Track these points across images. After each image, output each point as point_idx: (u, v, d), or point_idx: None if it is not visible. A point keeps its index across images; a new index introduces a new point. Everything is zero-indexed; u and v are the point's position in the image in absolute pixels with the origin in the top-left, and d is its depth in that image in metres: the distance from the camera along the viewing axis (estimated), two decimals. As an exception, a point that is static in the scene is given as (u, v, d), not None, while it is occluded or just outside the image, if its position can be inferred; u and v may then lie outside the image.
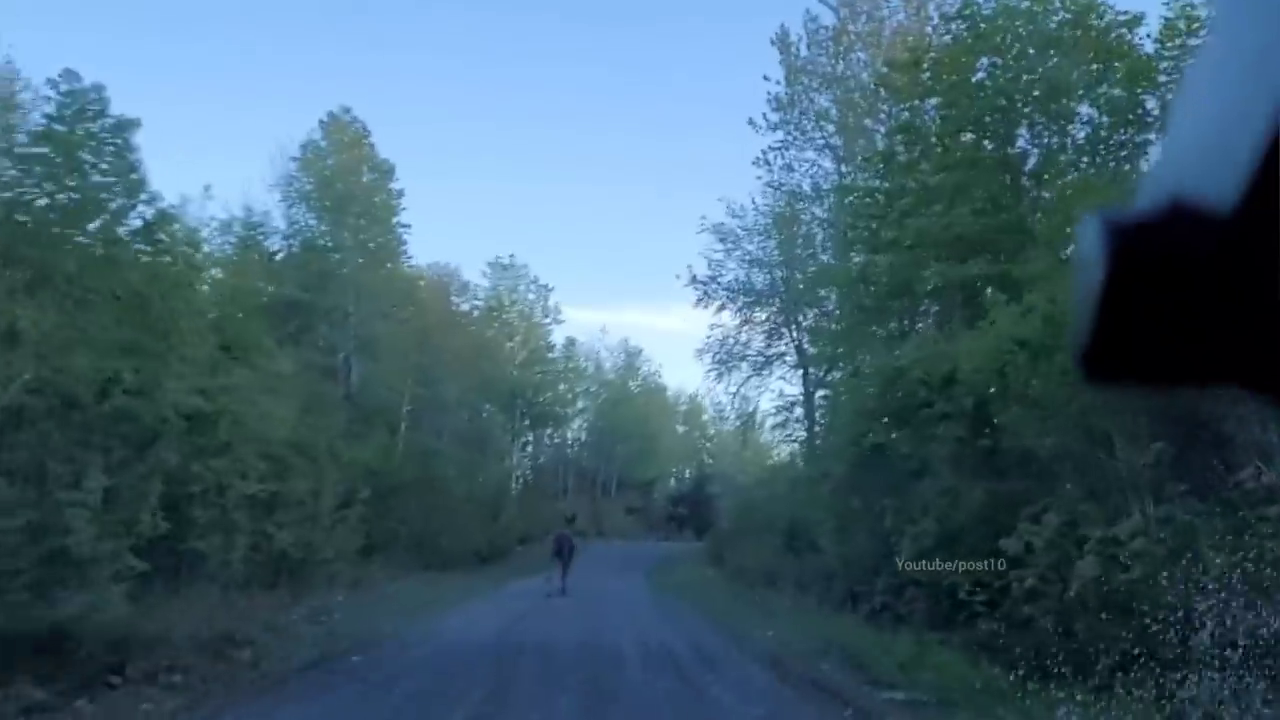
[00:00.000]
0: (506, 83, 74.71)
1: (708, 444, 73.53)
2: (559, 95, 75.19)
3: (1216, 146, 0.41)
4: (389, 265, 30.97)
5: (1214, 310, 0.41)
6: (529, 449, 52.73)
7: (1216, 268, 0.41)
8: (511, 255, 46.94)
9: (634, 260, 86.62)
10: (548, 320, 47.85)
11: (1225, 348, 0.42)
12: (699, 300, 29.91)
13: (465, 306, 45.04)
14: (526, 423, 47.30)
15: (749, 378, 33.01)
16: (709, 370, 32.51)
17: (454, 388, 35.80)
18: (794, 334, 31.99)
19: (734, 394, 32.79)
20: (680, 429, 69.95)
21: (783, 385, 32.28)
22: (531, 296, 47.27)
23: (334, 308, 27.30)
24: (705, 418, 74.05)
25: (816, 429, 31.61)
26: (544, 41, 72.81)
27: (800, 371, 32.66)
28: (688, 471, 72.60)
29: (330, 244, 27.87)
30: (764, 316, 32.31)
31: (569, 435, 58.04)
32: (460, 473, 33.19)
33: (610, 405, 56.51)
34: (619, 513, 56.11)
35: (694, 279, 29.37)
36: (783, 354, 32.48)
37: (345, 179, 27.35)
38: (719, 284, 29.00)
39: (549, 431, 54.56)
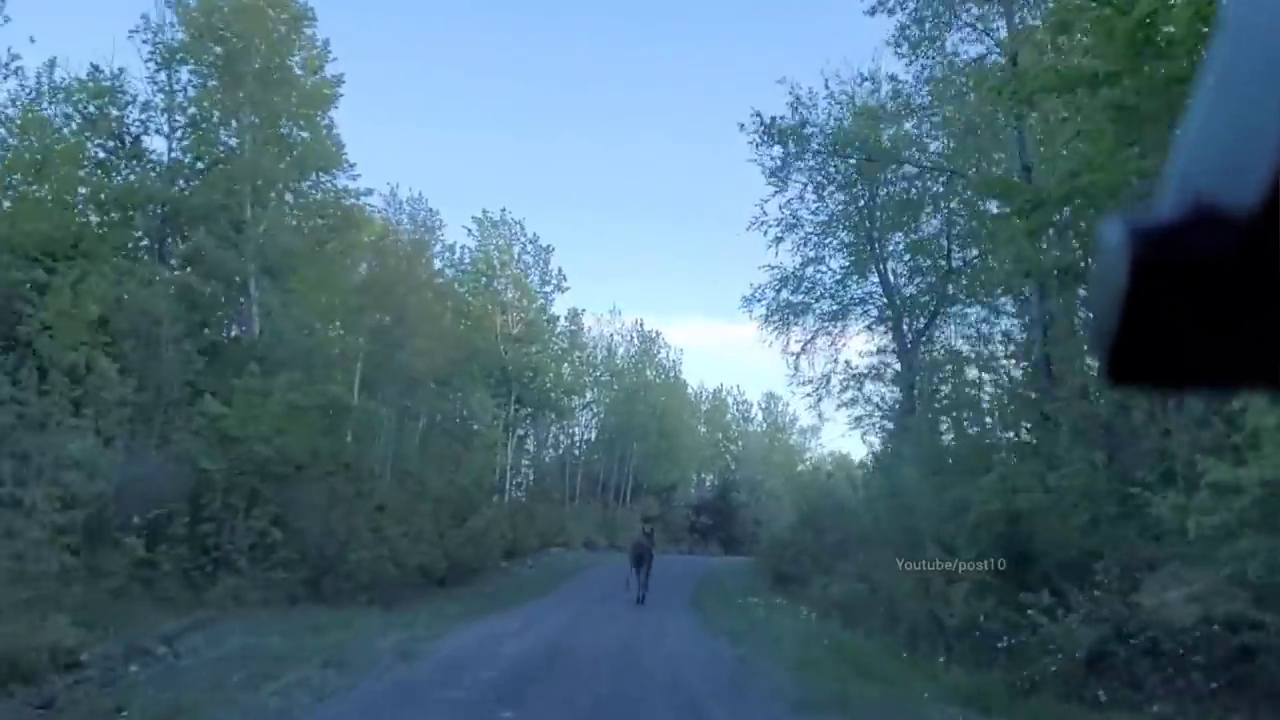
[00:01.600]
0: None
1: (732, 446, 63.81)
2: (571, 92, 66.89)
3: (1236, 150, 0.41)
4: (320, 176, 21.74)
5: (1237, 312, 0.41)
6: (530, 448, 43.25)
7: (1238, 270, 0.40)
8: (504, 209, 37.65)
9: (643, 268, 77.96)
10: (548, 288, 38.49)
11: (1249, 349, 0.41)
12: (779, 169, 20.37)
13: (450, 272, 36.01)
14: (521, 411, 37.82)
15: (813, 336, 23.44)
16: (765, 320, 22.97)
17: (426, 359, 26.57)
18: (880, 268, 22.54)
19: (795, 355, 23.26)
20: (701, 430, 60.07)
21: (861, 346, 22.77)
22: (528, 259, 37.94)
23: (223, 209, 18.02)
24: (729, 417, 64.67)
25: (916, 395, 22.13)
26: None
27: (888, 325, 23.23)
28: (709, 479, 63.03)
29: (219, 122, 18.71)
30: (837, 246, 22.92)
31: (576, 434, 48.39)
32: (428, 459, 23.98)
33: (624, 398, 46.73)
34: (634, 521, 46.36)
35: (767, 126, 19.56)
36: (865, 299, 23.02)
37: (240, 25, 18.11)
38: (806, 136, 19.36)
39: (552, 428, 45.04)
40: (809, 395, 22.83)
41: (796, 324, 22.81)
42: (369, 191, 22.80)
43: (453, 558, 17.40)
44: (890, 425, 22.98)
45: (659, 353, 50.22)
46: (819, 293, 22.30)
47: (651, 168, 74.43)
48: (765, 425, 65.77)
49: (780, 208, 22.58)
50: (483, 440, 32.40)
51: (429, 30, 61.43)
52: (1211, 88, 0.45)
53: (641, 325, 49.23)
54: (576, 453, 47.06)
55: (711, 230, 77.37)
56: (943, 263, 21.44)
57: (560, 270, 38.37)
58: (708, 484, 62.27)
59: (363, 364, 24.70)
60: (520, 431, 39.56)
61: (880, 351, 22.40)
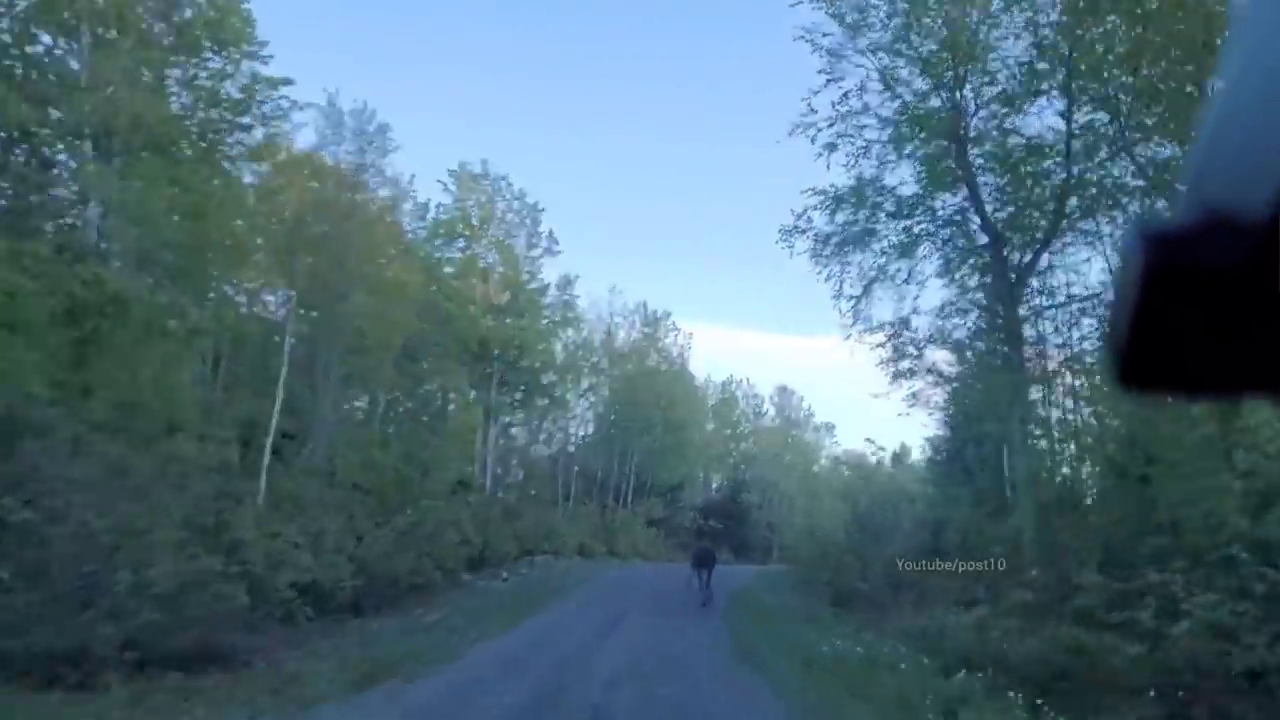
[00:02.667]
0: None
1: (742, 444, 57.61)
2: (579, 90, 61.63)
3: (1251, 158, 0.41)
4: (218, 54, 15.80)
5: (1250, 319, 0.41)
6: (520, 443, 37.19)
7: (1252, 277, 0.40)
8: (484, 160, 31.62)
9: (644, 271, 72.74)
10: (536, 252, 32.48)
11: (1261, 357, 0.41)
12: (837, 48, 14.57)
13: (423, 232, 30.07)
14: (506, 397, 31.81)
15: (876, 277, 17.31)
16: (813, 254, 16.91)
17: (381, 323, 20.68)
18: (971, 181, 16.50)
19: (856, 299, 17.16)
20: (709, 425, 53.78)
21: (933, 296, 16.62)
22: (513, 218, 31.93)
23: (47, 62, 12.06)
24: (738, 412, 58.47)
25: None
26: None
27: (974, 263, 17.23)
28: (717, 478, 56.89)
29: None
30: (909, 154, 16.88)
31: (572, 428, 42.18)
32: (384, 443, 18.15)
33: (626, 385, 40.62)
34: (637, 526, 40.32)
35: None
36: (947, 224, 16.99)
37: None
38: None
39: (544, 422, 38.95)
40: (880, 345, 16.67)
41: (855, 257, 16.78)
42: (289, 81, 16.82)
43: (371, 572, 11.34)
44: (944, 404, 17.07)
45: (665, 336, 44.02)
46: (888, 209, 16.24)
47: (647, 168, 69.50)
48: (778, 421, 59.62)
49: (834, 105, 16.59)
50: (451, 426, 26.41)
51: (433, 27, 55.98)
52: (1225, 94, 0.44)
53: (645, 306, 43.18)
54: (571, 449, 40.93)
55: (712, 231, 72.36)
56: (1058, 168, 15.53)
57: (551, 233, 32.42)
58: (715, 485, 56.29)
59: (294, 320, 18.80)
60: (506, 418, 33.55)
61: (975, 288, 16.37)
